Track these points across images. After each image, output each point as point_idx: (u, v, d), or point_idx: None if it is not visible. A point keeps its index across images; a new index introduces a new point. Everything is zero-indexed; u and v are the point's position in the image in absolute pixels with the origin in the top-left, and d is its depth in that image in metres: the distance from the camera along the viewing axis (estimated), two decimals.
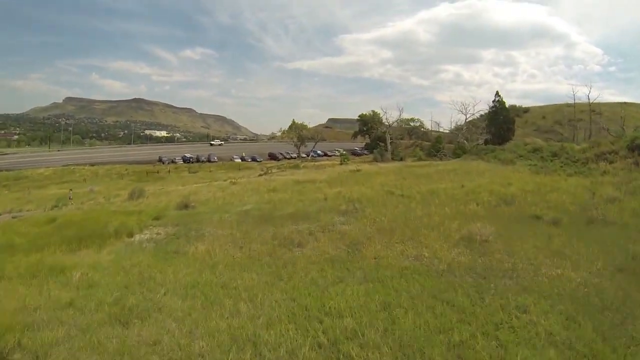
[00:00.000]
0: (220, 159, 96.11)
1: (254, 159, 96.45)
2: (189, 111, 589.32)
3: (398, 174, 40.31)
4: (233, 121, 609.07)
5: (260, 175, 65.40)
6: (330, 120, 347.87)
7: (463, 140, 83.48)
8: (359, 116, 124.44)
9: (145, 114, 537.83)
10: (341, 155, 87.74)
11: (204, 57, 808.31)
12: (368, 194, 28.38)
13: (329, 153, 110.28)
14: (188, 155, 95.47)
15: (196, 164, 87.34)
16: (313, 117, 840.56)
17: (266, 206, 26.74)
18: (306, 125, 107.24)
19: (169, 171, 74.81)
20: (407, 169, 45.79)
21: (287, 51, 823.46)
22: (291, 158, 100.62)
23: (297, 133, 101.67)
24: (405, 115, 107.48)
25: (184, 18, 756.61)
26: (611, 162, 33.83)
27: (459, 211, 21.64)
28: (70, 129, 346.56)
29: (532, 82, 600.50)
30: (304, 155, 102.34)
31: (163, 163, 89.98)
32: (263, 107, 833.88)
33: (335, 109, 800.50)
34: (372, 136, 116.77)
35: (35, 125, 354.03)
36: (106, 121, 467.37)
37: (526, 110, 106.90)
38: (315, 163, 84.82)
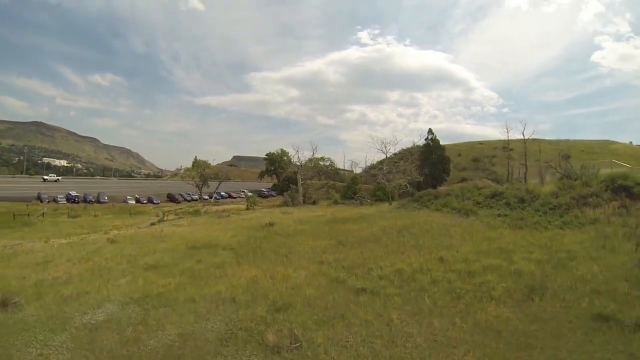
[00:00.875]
0: (112, 199, 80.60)
1: (150, 201, 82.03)
2: (92, 141, 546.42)
3: (330, 235, 30.34)
4: (138, 155, 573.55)
5: (152, 224, 52.66)
6: (235, 157, 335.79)
7: (384, 180, 75.81)
8: (267, 155, 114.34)
9: (46, 139, 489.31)
10: (247, 198, 76.26)
11: (113, 84, 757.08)
12: (303, 285, 17.81)
13: (234, 195, 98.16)
14: (73, 193, 78.42)
15: (82, 205, 71.93)
16: (218, 155, 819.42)
17: (133, 313, 15.54)
18: (209, 164, 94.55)
19: (43, 214, 59.15)
20: (338, 225, 35.74)
21: (196, 84, 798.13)
22: (192, 200, 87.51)
23: (199, 172, 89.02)
24: (309, 154, 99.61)
25: (96, 39, 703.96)
26: (595, 207, 27.72)
27: (480, 324, 12.74)
28: None
29: (434, 122, 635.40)
30: (206, 197, 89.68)
31: (42, 202, 73.02)
32: (169, 141, 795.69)
33: (241, 146, 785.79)
34: (280, 177, 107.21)
35: None
36: (0, 144, 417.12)
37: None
38: (219, 207, 72.96)
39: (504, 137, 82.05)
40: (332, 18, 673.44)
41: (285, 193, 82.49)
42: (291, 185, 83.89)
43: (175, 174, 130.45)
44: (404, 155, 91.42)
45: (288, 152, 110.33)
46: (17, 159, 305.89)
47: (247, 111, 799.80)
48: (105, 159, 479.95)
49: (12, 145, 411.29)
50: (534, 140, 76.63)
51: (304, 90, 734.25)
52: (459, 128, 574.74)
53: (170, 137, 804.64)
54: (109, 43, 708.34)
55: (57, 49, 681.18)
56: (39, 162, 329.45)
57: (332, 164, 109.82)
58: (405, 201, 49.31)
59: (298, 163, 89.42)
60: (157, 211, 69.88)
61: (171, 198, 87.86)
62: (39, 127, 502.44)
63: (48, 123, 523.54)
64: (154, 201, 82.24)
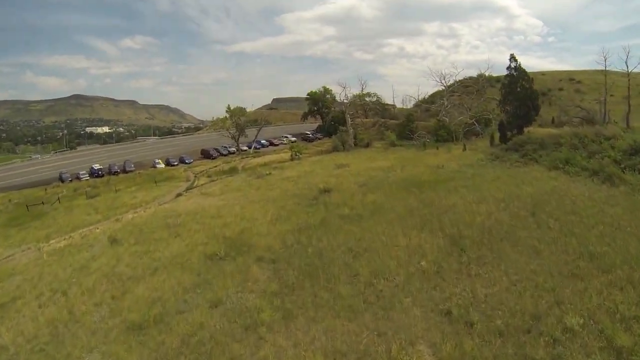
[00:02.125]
0: (140, 165, 71.19)
1: (182, 161, 72.05)
2: (131, 103, 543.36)
3: (425, 219, 19.04)
4: (178, 109, 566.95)
5: (178, 195, 42.67)
6: (275, 100, 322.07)
7: (445, 118, 62.98)
8: (308, 94, 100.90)
9: (86, 110, 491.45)
10: (291, 146, 64.57)
11: (145, 45, 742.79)
12: None
13: (276, 142, 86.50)
14: (96, 166, 68.97)
15: (106, 179, 63.19)
16: (258, 99, 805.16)
17: None
18: (244, 110, 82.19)
19: (59, 199, 50.44)
20: (427, 195, 23.69)
21: (229, 34, 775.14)
22: (229, 154, 77.01)
23: (234, 121, 77.56)
24: (355, 90, 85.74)
25: (121, 6, 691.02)
26: None
27: None
28: (4, 135, 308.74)
29: (475, 53, 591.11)
30: (244, 149, 79.05)
31: (63, 182, 64.92)
32: (208, 92, 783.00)
33: (280, 88, 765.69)
34: (325, 117, 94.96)
35: None
36: (44, 122, 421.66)
37: (498, 79, 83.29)
38: (259, 160, 62.36)
39: (554, 66, 65.85)
40: None
41: (333, 136, 70.74)
42: (339, 126, 71.87)
43: (213, 124, 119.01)
44: (457, 88, 76.77)
45: (331, 90, 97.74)
46: (60, 133, 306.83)
47: (282, 53, 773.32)
48: (146, 118, 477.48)
49: (55, 121, 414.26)
50: (599, 72, 60.21)
51: (339, 27, 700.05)
52: (501, 59, 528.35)
53: (208, 88, 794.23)
54: (134, 7, 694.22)
55: (82, 22, 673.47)
56: (81, 132, 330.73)
57: (379, 100, 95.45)
58: (499, 150, 36.95)
59: (345, 101, 76.07)
60: (187, 174, 59.96)
61: (205, 154, 77.26)
62: (78, 100, 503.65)
63: (86, 94, 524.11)
64: (186, 161, 71.39)
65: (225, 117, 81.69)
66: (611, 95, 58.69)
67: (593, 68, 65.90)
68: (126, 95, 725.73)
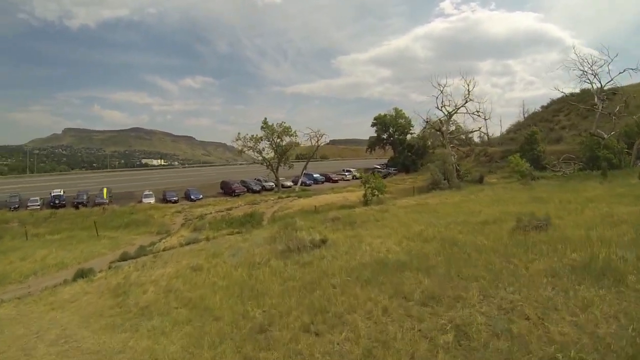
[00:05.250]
0: (128, 196, 47.04)
1: (187, 197, 47.18)
2: (188, 139, 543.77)
3: None
4: (234, 147, 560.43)
5: (112, 265, 16.31)
6: (331, 142, 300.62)
7: (598, 131, 41.07)
8: (375, 118, 77.80)
9: (145, 143, 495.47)
10: (366, 178, 36.11)
11: (205, 85, 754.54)
12: None
13: (335, 177, 60.38)
14: (56, 192, 44.67)
15: (51, 212, 39.11)
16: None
17: None
18: (290, 129, 54.68)
19: None
20: None
21: (285, 75, 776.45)
22: (264, 190, 51.20)
23: (273, 142, 51.47)
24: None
25: (183, 48, 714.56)
26: None
27: None
28: (64, 159, 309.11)
29: (531, 89, 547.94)
30: (288, 184, 52.99)
31: (10, 209, 41.87)
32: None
33: (336, 130, 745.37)
34: (398, 147, 68.59)
35: (31, 156, 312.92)
36: (104, 151, 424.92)
37: (614, 92, 53.75)
38: (304, 201, 35.69)
39: None
40: None
41: (429, 165, 46.14)
42: (434, 151, 45.30)
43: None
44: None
45: (404, 113, 71.93)
46: (117, 162, 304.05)
47: (339, 95, 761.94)
48: (202, 154, 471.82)
49: (115, 151, 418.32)
50: None
51: (394, 69, 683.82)
52: (558, 93, 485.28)
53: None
54: (195, 48, 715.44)
55: (147, 62, 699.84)
56: (137, 163, 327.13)
57: (458, 128, 66.32)
58: None
59: (444, 115, 47.86)
60: (174, 219, 34.81)
61: (226, 189, 52.22)
62: (137, 132, 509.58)
63: (146, 128, 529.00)
64: (192, 196, 47.31)
65: (257, 136, 55.54)
66: None
67: None
68: (184, 131, 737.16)
